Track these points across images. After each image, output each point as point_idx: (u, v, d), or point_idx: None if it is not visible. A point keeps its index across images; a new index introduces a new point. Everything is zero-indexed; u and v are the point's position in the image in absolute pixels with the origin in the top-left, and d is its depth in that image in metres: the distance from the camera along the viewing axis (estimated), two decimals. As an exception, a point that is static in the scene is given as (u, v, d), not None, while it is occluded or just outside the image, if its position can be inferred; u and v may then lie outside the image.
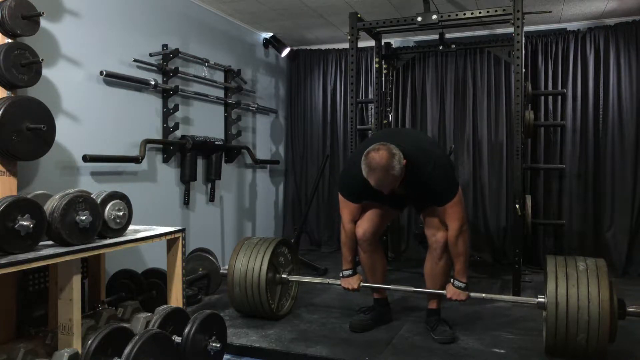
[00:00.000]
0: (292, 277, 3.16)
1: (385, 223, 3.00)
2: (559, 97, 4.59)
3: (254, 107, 4.91)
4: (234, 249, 3.20)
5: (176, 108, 3.74)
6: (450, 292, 2.70)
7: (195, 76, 4.03)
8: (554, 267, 2.48)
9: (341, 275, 2.92)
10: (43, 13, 2.46)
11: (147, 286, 2.99)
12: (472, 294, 2.70)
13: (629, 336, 2.75)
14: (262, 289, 2.95)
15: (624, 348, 2.61)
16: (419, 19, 3.69)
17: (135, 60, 3.41)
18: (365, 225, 2.84)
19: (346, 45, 4.35)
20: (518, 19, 3.39)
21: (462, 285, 2.69)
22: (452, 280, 2.73)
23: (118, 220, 2.34)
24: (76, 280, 2.06)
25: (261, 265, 2.98)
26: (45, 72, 2.63)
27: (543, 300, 2.49)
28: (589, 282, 2.36)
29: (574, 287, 2.36)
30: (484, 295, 2.74)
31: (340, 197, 2.85)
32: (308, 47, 5.57)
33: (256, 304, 3.00)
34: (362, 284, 2.90)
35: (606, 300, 2.30)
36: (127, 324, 2.25)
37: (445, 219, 2.68)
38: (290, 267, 3.25)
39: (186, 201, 3.94)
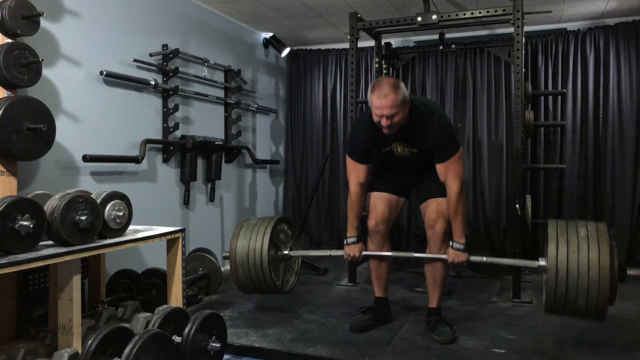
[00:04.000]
0: (293, 253, 3.16)
1: (395, 213, 3.01)
2: (559, 97, 4.59)
3: (254, 107, 4.91)
4: (233, 232, 3.16)
5: (176, 108, 3.75)
6: (451, 255, 2.72)
7: (195, 76, 4.03)
8: (555, 232, 2.45)
9: (345, 242, 2.92)
10: (43, 13, 2.46)
11: (147, 286, 2.99)
12: (472, 258, 2.72)
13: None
14: (265, 267, 2.94)
15: (623, 307, 2.59)
16: (419, 19, 3.69)
17: (135, 60, 3.41)
18: (376, 216, 2.87)
19: (346, 45, 4.35)
20: (518, 19, 3.39)
21: (461, 246, 2.71)
22: (451, 243, 2.74)
23: (118, 220, 2.34)
24: (76, 280, 2.06)
25: (262, 244, 2.96)
26: (45, 72, 2.63)
27: (544, 264, 2.47)
28: (589, 249, 2.34)
29: (574, 253, 2.35)
30: (484, 258, 2.74)
31: (348, 159, 2.88)
32: (308, 47, 5.57)
33: (260, 283, 3.00)
34: (363, 252, 2.91)
35: (606, 267, 2.29)
36: (127, 324, 2.25)
37: (446, 178, 2.70)
38: (292, 242, 3.23)
39: (186, 201, 3.94)
